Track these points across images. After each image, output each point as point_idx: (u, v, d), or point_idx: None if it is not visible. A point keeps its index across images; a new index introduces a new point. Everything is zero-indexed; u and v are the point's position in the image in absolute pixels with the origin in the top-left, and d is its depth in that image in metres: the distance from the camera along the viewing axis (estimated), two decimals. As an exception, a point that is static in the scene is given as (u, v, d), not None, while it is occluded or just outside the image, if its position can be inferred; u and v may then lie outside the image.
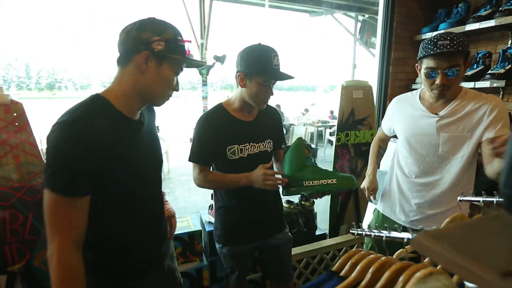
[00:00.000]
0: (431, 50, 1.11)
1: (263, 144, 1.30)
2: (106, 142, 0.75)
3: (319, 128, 8.05)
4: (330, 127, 7.67)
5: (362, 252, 0.69)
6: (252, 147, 1.27)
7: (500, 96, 2.01)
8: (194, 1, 6.98)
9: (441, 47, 1.10)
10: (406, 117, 1.30)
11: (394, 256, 0.79)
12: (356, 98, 2.00)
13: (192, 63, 0.91)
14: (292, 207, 2.01)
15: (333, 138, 7.41)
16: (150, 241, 0.95)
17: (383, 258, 0.63)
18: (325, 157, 7.29)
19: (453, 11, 2.15)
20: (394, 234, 0.73)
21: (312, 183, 1.13)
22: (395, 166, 1.38)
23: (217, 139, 1.23)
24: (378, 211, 1.49)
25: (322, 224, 2.54)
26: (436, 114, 1.19)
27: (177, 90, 0.89)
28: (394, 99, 1.43)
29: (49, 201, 0.71)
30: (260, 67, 1.13)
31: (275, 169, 1.40)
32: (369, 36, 11.02)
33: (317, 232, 2.09)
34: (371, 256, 0.66)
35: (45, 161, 0.73)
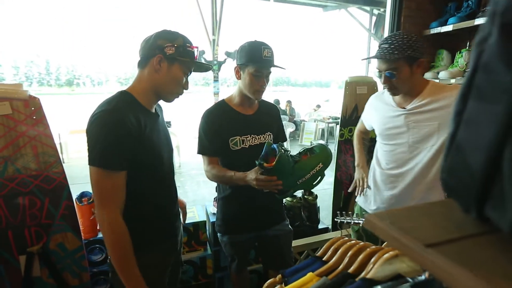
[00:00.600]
0: (376, 52, 1.19)
1: (263, 136, 1.37)
2: (137, 128, 0.92)
3: (330, 125, 7.99)
4: (342, 123, 7.59)
5: (345, 239, 0.74)
6: (253, 138, 1.34)
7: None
8: (206, -3, 7.05)
9: (380, 51, 1.18)
10: (379, 113, 1.38)
11: (383, 245, 0.83)
12: (360, 93, 2.01)
13: (201, 66, 1.08)
14: (295, 201, 2.04)
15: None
16: (168, 212, 1.12)
17: (361, 243, 0.67)
18: (335, 154, 7.23)
19: (463, 4, 2.10)
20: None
21: (304, 178, 1.17)
22: (374, 159, 1.44)
23: (221, 132, 1.30)
24: (357, 204, 1.55)
25: (326, 220, 2.56)
26: (404, 108, 1.26)
27: (186, 88, 1.05)
28: (372, 97, 1.50)
29: (97, 177, 0.88)
30: (250, 58, 1.21)
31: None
32: (384, 31, 10.78)
33: (320, 226, 2.12)
34: (351, 242, 0.70)
35: (88, 146, 0.89)
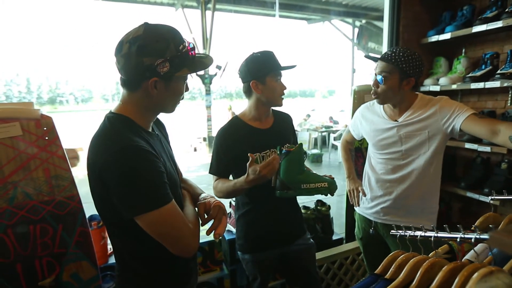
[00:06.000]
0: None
1: None
2: (156, 155, 0.80)
3: (323, 133, 8.06)
4: (334, 131, 7.69)
5: (407, 253, 0.70)
6: (273, 153, 1.31)
7: (509, 95, 2.02)
8: (196, 14, 7.12)
9: (383, 54, 1.28)
10: (370, 124, 1.44)
11: (430, 254, 0.79)
12: (368, 101, 2.02)
13: (203, 64, 0.88)
14: (309, 212, 2.01)
15: (338, 143, 7.37)
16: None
17: (431, 259, 0.64)
18: (330, 162, 7.28)
19: (457, 13, 2.18)
20: (444, 234, 0.73)
21: (309, 186, 1.19)
22: (367, 166, 1.50)
23: (237, 150, 1.26)
24: (356, 212, 1.59)
25: (337, 228, 2.52)
26: (396, 121, 1.34)
27: (187, 90, 0.91)
28: (362, 107, 1.55)
29: (164, 216, 0.76)
30: (269, 66, 1.23)
31: None
32: (366, 41, 11.16)
33: (334, 237, 2.08)
34: (417, 257, 0.67)
35: (125, 194, 0.75)
